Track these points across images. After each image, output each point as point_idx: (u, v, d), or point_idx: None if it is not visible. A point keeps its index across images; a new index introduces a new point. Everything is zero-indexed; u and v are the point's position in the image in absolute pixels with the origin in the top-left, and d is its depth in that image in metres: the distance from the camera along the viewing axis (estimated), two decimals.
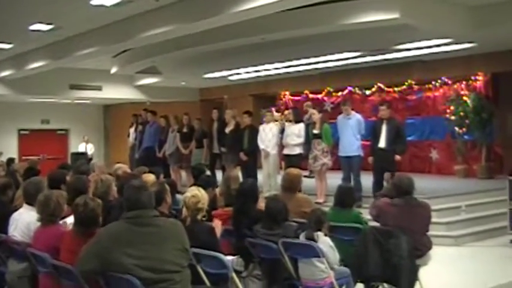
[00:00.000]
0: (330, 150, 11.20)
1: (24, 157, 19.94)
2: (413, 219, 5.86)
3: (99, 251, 3.92)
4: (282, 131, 12.01)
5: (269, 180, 11.63)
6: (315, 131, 11.25)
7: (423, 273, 6.05)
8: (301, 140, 11.46)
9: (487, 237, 9.76)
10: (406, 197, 6.02)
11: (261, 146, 11.85)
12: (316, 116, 11.65)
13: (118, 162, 8.90)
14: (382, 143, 10.08)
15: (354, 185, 10.06)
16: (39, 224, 4.94)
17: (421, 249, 5.87)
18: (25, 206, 5.54)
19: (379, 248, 5.74)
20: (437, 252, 7.69)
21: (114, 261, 3.85)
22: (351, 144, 10.68)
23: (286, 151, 11.66)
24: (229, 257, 5.09)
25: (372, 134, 10.42)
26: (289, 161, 11.27)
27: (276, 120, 12.83)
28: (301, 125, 11.82)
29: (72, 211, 4.62)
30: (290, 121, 11.84)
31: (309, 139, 11.32)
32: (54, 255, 4.50)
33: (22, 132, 22.83)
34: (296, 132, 11.56)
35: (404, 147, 10.39)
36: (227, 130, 12.56)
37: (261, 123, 12.31)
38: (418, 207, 6.09)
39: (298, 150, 11.46)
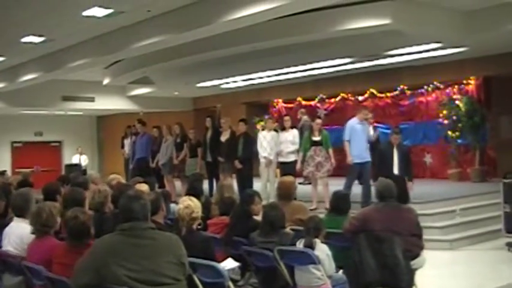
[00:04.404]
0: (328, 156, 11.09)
1: (17, 169, 19.90)
2: (398, 221, 5.88)
3: (94, 264, 3.90)
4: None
5: (267, 188, 11.57)
6: (315, 138, 11.06)
7: (419, 277, 6.06)
8: (296, 147, 11.46)
9: (482, 240, 9.78)
10: (387, 201, 6.08)
11: (263, 153, 11.73)
12: (316, 122, 11.37)
13: (113, 173, 8.88)
14: (396, 170, 9.74)
15: (367, 191, 10.03)
16: (32, 236, 4.91)
17: (411, 249, 5.87)
18: (15, 219, 5.50)
19: (374, 253, 5.75)
20: (432, 257, 7.72)
21: (109, 274, 3.83)
22: (366, 149, 10.57)
23: (281, 159, 11.62)
24: (230, 263, 5.06)
25: (381, 159, 10.10)
26: (285, 168, 11.26)
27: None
28: (295, 132, 11.82)
29: (64, 224, 4.62)
30: (284, 128, 11.84)
31: (305, 146, 11.17)
32: (49, 268, 4.48)
33: (15, 144, 22.81)
34: (290, 139, 11.56)
35: (412, 173, 10.05)
36: (223, 139, 12.51)
37: (256, 130, 12.27)
38: (402, 210, 6.14)
39: (293, 158, 11.46)
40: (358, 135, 10.57)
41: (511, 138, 14.35)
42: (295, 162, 11.37)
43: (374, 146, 11.33)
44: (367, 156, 10.53)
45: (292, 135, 11.67)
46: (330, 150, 11.02)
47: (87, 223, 4.52)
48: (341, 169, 11.38)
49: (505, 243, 9.24)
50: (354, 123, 10.71)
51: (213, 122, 13.29)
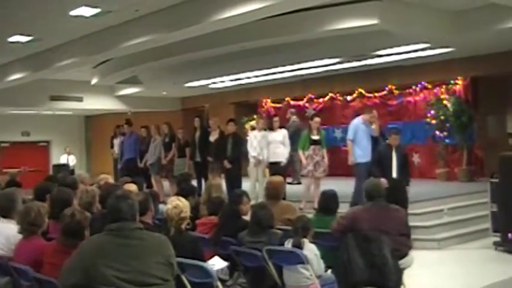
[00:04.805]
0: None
1: (4, 169, 19.78)
2: (387, 220, 5.92)
3: (82, 264, 3.88)
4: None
5: (256, 188, 11.53)
6: (314, 137, 10.96)
7: (407, 276, 6.08)
8: (286, 147, 11.43)
9: (470, 239, 9.83)
10: (376, 200, 6.11)
11: (253, 153, 11.66)
12: (314, 121, 11.18)
13: (102, 173, 8.86)
14: (394, 173, 9.39)
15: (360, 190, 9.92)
16: (19, 236, 4.90)
17: (400, 249, 5.89)
18: (1, 219, 5.43)
19: (362, 252, 5.75)
20: (420, 256, 7.75)
21: (97, 274, 3.81)
22: (370, 150, 10.34)
23: (270, 159, 11.56)
24: (218, 262, 5.05)
25: (378, 161, 9.64)
26: (274, 168, 11.25)
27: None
28: (285, 132, 11.81)
29: (60, 222, 4.62)
30: (272, 129, 11.82)
31: (304, 145, 11.03)
32: (36, 268, 4.46)
33: (2, 144, 22.66)
34: (280, 139, 11.53)
35: (409, 176, 9.72)
36: (212, 139, 12.49)
37: (244, 130, 12.24)
38: (390, 210, 6.17)
39: (282, 158, 11.45)
40: (362, 135, 10.40)
41: (498, 138, 14.46)
42: (283, 162, 11.37)
43: (377, 141, 11.12)
44: (369, 156, 10.28)
45: (282, 135, 11.66)
46: (324, 150, 11.01)
47: (83, 223, 4.52)
48: (331, 168, 11.39)
49: (492, 242, 9.29)
50: (358, 123, 10.54)
51: (201, 122, 13.25)
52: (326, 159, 11.00)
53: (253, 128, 12.79)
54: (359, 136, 10.37)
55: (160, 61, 13.32)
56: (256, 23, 9.78)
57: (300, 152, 11.06)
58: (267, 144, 11.56)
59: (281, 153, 11.50)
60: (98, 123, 23.72)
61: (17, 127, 22.55)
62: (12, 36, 11.58)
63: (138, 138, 14.27)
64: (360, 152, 10.30)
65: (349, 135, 10.50)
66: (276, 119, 12.51)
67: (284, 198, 9.28)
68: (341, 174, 13.08)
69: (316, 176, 10.87)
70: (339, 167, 13.39)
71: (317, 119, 11.21)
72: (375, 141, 10.90)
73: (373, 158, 9.95)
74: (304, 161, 10.96)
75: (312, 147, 10.91)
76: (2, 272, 4.92)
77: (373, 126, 10.69)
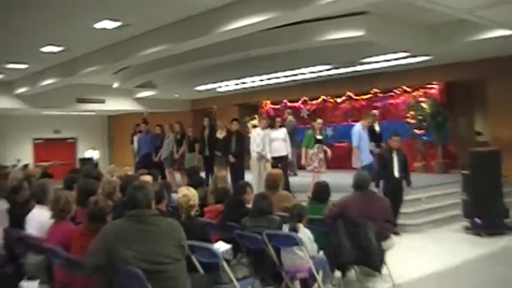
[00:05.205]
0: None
1: (38, 163, 19.93)
2: (372, 208, 5.96)
3: (105, 245, 3.89)
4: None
5: (259, 179, 11.42)
6: (318, 137, 10.76)
7: (390, 256, 6.10)
8: (287, 143, 11.38)
9: (444, 224, 9.82)
10: (363, 190, 6.12)
11: (256, 149, 11.46)
12: (317, 122, 10.96)
13: (126, 166, 8.87)
14: (396, 173, 9.09)
15: None
16: (52, 221, 4.94)
17: (383, 233, 5.95)
18: (36, 206, 5.59)
19: (350, 236, 5.78)
20: (401, 239, 7.77)
21: (118, 255, 3.82)
22: (369, 151, 10.22)
23: (274, 154, 11.29)
24: (222, 245, 5.06)
25: (381, 164, 9.36)
26: (277, 162, 11.09)
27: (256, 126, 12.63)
28: (285, 130, 11.69)
29: (85, 208, 4.64)
30: (273, 127, 11.74)
31: (308, 143, 10.83)
32: (66, 249, 4.49)
33: (36, 141, 22.75)
34: (282, 137, 11.42)
35: (409, 176, 9.32)
36: (220, 136, 12.39)
37: (247, 129, 12.20)
38: (376, 199, 6.22)
39: (285, 152, 11.39)
40: (365, 141, 10.19)
41: (468, 136, 14.51)
42: (287, 156, 11.31)
43: (379, 140, 11.09)
44: (371, 158, 10.16)
45: (283, 133, 11.53)
46: (325, 146, 10.93)
47: (105, 210, 4.53)
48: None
49: (463, 226, 9.34)
50: (360, 129, 10.22)
51: (210, 121, 13.24)
52: (329, 152, 10.96)
53: (254, 126, 12.73)
54: (362, 142, 10.13)
55: (173, 68, 13.29)
56: (258, 34, 9.75)
57: (304, 150, 10.85)
58: (269, 141, 11.47)
59: (283, 148, 11.34)
60: (119, 122, 23.74)
61: (49, 126, 22.67)
62: (45, 47, 11.62)
63: (153, 135, 14.25)
64: (363, 157, 10.06)
65: (354, 142, 10.13)
66: (278, 119, 12.52)
67: (288, 189, 9.33)
68: (333, 168, 13.03)
69: (321, 172, 10.68)
70: (331, 161, 13.34)
71: (320, 120, 11.02)
72: (379, 137, 10.95)
73: (376, 160, 9.72)
74: (304, 157, 10.81)
75: (317, 145, 10.73)
76: (37, 251, 4.98)
77: (376, 125, 10.85)
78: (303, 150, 10.92)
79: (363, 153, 10.09)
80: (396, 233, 8.58)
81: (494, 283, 6.30)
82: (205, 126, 13.10)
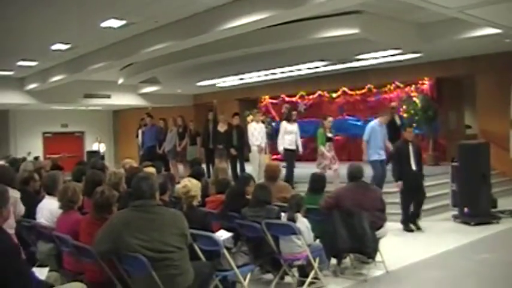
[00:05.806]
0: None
1: (48, 155, 19.95)
2: (365, 199, 5.98)
3: (112, 234, 3.90)
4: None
5: (260, 170, 11.36)
6: (329, 135, 10.53)
7: (383, 244, 6.11)
8: (298, 138, 11.25)
9: (434, 213, 9.83)
10: (357, 181, 6.12)
11: (256, 142, 11.47)
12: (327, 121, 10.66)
13: (127, 158, 8.83)
14: (413, 165, 8.67)
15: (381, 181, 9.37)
16: (60, 211, 4.95)
17: (376, 221, 5.96)
18: (47, 196, 5.61)
19: (345, 225, 5.79)
20: (394, 228, 7.78)
21: (124, 243, 3.83)
22: (382, 148, 9.62)
23: (288, 146, 11.13)
24: (224, 234, 5.05)
25: (396, 156, 8.89)
26: (290, 154, 11.08)
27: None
28: (297, 124, 11.59)
29: (92, 198, 4.63)
30: (289, 120, 11.49)
31: (322, 141, 10.52)
32: (74, 237, 4.49)
33: (46, 134, 22.75)
34: (296, 130, 11.31)
35: (423, 170, 8.95)
36: (222, 130, 12.35)
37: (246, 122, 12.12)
38: (369, 189, 6.24)
39: (298, 145, 11.28)
40: (377, 136, 9.61)
41: (457, 129, 14.55)
42: (296, 150, 11.21)
43: (399, 132, 10.84)
44: (383, 155, 9.63)
45: (297, 127, 11.42)
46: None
47: (111, 200, 4.50)
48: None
49: (452, 215, 9.36)
50: (375, 125, 9.68)
51: (214, 115, 13.20)
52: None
53: (252, 120, 12.61)
54: (373, 137, 9.58)
55: (176, 64, 13.27)
56: (257, 32, 9.73)
57: (322, 147, 10.45)
58: (283, 134, 11.21)
59: (297, 141, 11.23)
60: (124, 117, 23.73)
61: (57, 120, 22.66)
62: (54, 45, 11.63)
63: (158, 129, 14.25)
64: (372, 151, 9.55)
65: (365, 136, 9.73)
66: (294, 112, 12.13)
67: (290, 183, 9.22)
68: None
69: (333, 169, 10.33)
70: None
71: (330, 119, 10.75)
72: (398, 129, 10.77)
73: (392, 152, 9.25)
74: (327, 154, 10.42)
75: (328, 143, 10.50)
76: (47, 240, 4.99)
77: (396, 117, 10.71)
78: (320, 148, 10.49)
79: (372, 149, 9.55)
80: (419, 228, 8.65)
81: (481, 268, 6.32)
82: (209, 120, 13.05)
